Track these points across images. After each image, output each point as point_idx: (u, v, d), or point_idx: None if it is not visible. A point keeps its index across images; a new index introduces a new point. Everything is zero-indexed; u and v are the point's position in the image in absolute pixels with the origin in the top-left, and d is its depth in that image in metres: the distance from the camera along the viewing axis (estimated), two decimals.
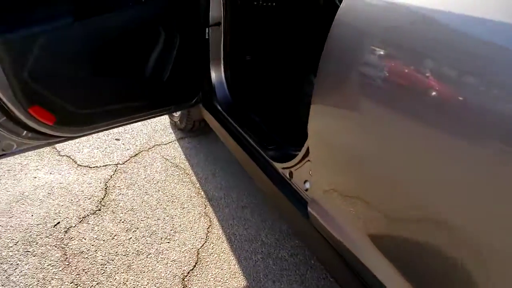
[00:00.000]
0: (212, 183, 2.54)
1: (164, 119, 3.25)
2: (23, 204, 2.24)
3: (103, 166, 2.63)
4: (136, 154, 2.79)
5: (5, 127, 1.69)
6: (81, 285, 1.79)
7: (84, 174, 2.53)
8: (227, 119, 2.30)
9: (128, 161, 2.70)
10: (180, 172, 2.62)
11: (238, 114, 2.28)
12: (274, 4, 2.30)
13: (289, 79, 2.75)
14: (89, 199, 2.32)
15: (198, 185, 2.51)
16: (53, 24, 1.60)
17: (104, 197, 2.34)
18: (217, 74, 2.37)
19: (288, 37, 2.67)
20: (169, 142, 2.97)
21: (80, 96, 1.78)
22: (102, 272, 1.86)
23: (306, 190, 1.46)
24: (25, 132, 1.76)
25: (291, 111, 2.46)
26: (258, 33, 2.50)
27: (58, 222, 2.12)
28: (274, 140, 1.98)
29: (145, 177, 2.54)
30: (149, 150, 2.85)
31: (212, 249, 2.05)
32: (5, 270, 1.82)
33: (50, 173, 2.51)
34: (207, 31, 2.20)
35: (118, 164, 2.66)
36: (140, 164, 2.68)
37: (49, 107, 1.70)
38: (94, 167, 2.61)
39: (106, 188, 2.42)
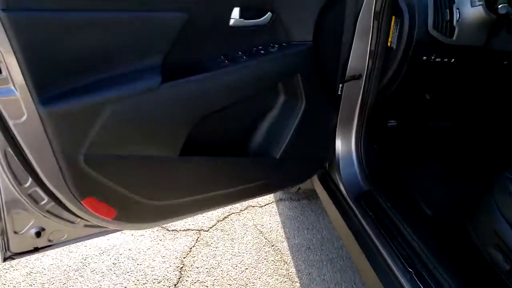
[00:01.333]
0: (318, 285, 1.87)
1: None
2: (81, 275, 1.81)
3: (184, 231, 2.12)
4: (225, 217, 2.24)
5: (54, 213, 1.22)
6: None
7: (160, 240, 2.04)
8: (353, 210, 1.61)
9: (213, 227, 2.16)
10: (276, 258, 1.99)
11: (371, 208, 1.57)
12: (452, 61, 1.53)
13: (465, 165, 1.87)
14: (159, 282, 1.81)
15: (298, 284, 1.86)
16: (129, 86, 1.07)
17: (178, 283, 1.81)
18: (344, 143, 1.69)
19: (466, 103, 1.87)
20: (266, 205, 2.37)
21: (154, 183, 1.24)
22: None
23: None
24: (79, 219, 1.27)
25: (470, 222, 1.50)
26: (416, 92, 1.75)
27: None
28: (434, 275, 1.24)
29: (231, 257, 1.97)
30: (241, 213, 2.28)
31: None
32: None
33: (121, 233, 2.06)
34: (340, 86, 1.54)
35: (201, 230, 2.13)
36: (228, 234, 2.11)
37: (108, 198, 1.19)
38: (172, 230, 2.11)
39: (182, 267, 1.89)
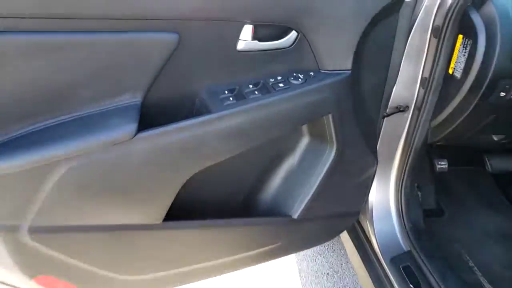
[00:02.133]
0: None
1: None
2: None
3: None
4: None
5: None
6: None
7: None
8: (387, 276, 1.28)
9: None
10: None
11: (412, 277, 1.23)
12: None
13: None
14: None
15: None
16: (92, 136, 0.76)
17: None
18: (380, 188, 1.35)
19: None
20: None
21: (129, 255, 0.93)
22: None
23: None
24: None
25: None
26: (479, 132, 1.39)
27: None
28: None
29: None
30: None
31: None
32: None
33: None
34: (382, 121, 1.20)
35: None
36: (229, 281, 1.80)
37: (68, 275, 0.89)
38: None
39: None
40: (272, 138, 0.93)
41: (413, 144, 1.28)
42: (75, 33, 0.72)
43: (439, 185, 1.53)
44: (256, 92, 0.89)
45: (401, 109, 1.25)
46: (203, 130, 0.83)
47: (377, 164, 1.17)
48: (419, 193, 1.41)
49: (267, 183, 1.12)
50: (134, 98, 0.81)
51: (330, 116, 0.97)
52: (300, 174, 1.09)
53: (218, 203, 1.04)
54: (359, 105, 1.03)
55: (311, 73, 0.94)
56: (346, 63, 0.95)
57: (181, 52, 0.81)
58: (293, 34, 0.90)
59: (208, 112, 0.86)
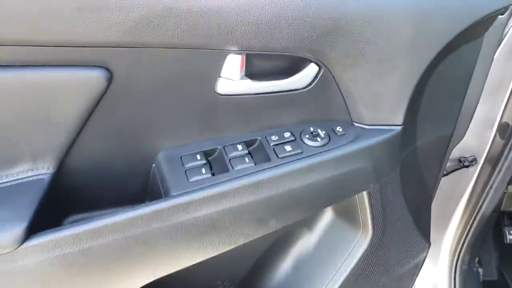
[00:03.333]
0: None
1: None
2: None
3: None
4: None
5: None
6: None
7: None
8: None
9: None
10: None
11: None
12: None
13: None
14: None
15: None
16: None
17: None
18: (427, 269, 0.98)
19: None
20: None
21: None
22: None
23: None
24: None
25: None
26: None
27: None
28: None
29: None
30: None
31: None
32: None
33: None
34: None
35: None
36: None
37: None
38: None
39: None
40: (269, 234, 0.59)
41: (479, 210, 0.91)
42: None
43: (505, 255, 1.15)
44: (247, 160, 0.55)
45: (465, 163, 0.88)
46: (152, 228, 0.50)
47: (429, 248, 0.80)
48: (480, 270, 1.04)
49: (271, 269, 0.79)
50: (36, 168, 0.49)
51: (365, 194, 0.62)
52: (318, 262, 0.75)
53: None
54: (411, 173, 0.68)
55: (337, 129, 0.59)
56: (396, 114, 0.60)
57: (117, 96, 0.48)
58: (310, 69, 0.55)
59: (165, 192, 0.53)
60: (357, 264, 0.71)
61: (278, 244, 0.76)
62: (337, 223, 0.72)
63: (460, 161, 0.88)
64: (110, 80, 0.47)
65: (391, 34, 0.53)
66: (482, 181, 0.89)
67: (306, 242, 0.75)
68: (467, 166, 0.88)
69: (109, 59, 0.45)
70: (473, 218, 0.93)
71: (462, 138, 0.76)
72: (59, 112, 0.47)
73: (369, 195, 0.63)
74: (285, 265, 0.77)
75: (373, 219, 0.66)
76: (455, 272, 0.99)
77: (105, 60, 0.45)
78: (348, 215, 0.69)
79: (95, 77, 0.46)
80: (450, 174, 0.89)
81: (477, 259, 1.03)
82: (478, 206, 0.91)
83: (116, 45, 0.44)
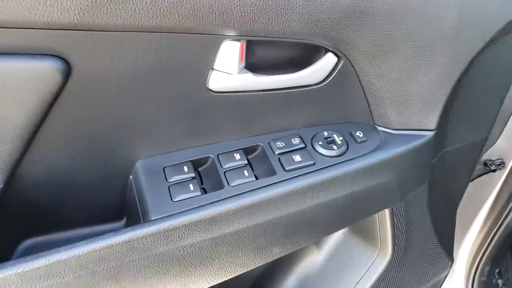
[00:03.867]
0: None
1: None
2: None
3: None
4: None
5: None
6: None
7: None
8: None
9: None
10: None
11: None
12: None
13: None
14: None
15: None
16: None
17: None
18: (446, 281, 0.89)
19: None
20: None
21: None
22: None
23: None
24: None
25: None
26: None
27: None
28: None
29: None
30: None
31: None
32: None
33: None
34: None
35: None
36: None
37: None
38: None
39: None
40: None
41: (504, 218, 0.81)
42: None
43: None
44: (246, 173, 0.44)
45: (492, 166, 0.78)
46: (125, 261, 0.39)
47: (451, 265, 0.71)
48: (500, 281, 0.95)
49: (275, 284, 0.69)
50: None
51: (387, 211, 0.52)
52: (326, 283, 0.65)
53: None
54: (438, 183, 0.57)
55: (357, 134, 0.49)
56: (428, 117, 0.49)
57: (78, 93, 0.37)
58: (327, 60, 0.43)
59: (143, 214, 0.42)
60: (372, 286, 0.61)
61: (282, 261, 0.66)
62: (351, 240, 0.62)
63: (486, 164, 0.78)
64: (67, 73, 0.35)
65: (431, 21, 0.42)
66: (509, 186, 0.79)
67: (314, 259, 0.65)
68: (494, 171, 0.78)
69: (64, 46, 0.34)
70: (497, 227, 0.83)
71: (495, 143, 0.66)
72: (4, 115, 0.36)
73: (392, 212, 0.53)
74: (289, 285, 0.67)
75: (394, 238, 0.56)
76: (472, 283, 0.90)
77: (59, 47, 0.34)
78: (364, 232, 0.59)
79: (48, 69, 0.35)
80: (493, 178, 0.79)
81: (497, 270, 0.93)
82: (504, 215, 0.81)
83: (73, 28, 0.33)
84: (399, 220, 0.54)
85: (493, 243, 0.86)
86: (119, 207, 0.49)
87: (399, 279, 0.63)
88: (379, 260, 0.59)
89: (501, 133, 0.65)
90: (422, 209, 0.57)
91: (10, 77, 0.35)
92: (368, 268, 0.60)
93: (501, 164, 0.78)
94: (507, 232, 0.84)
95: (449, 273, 0.93)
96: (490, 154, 0.78)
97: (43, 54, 0.34)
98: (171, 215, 0.40)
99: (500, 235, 0.84)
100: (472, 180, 0.77)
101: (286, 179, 0.44)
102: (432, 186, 0.57)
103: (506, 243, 0.87)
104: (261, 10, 0.37)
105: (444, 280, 0.73)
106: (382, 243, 0.57)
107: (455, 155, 0.59)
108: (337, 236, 0.62)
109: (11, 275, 0.35)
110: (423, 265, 0.65)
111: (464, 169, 0.64)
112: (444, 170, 0.60)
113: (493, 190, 0.82)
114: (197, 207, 0.41)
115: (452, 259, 0.70)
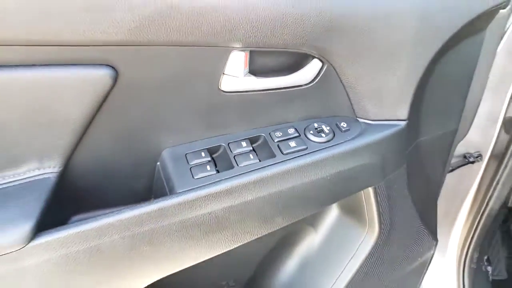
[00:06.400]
0: None
1: None
2: None
3: None
4: None
5: None
6: None
7: None
8: None
9: None
10: None
11: None
12: None
13: None
14: None
15: None
16: None
17: None
18: (434, 267, 0.97)
19: None
20: None
21: None
22: None
23: None
24: None
25: None
26: None
27: None
28: None
29: None
30: None
31: None
32: None
33: None
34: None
35: None
36: None
37: None
38: None
39: None
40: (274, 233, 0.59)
41: (486, 206, 0.91)
42: None
43: None
44: (251, 156, 0.55)
45: (470, 159, 0.88)
46: (158, 226, 0.50)
47: (436, 245, 0.80)
48: (489, 268, 1.03)
49: (276, 268, 0.78)
50: (42, 168, 0.49)
51: (371, 190, 0.62)
52: (324, 261, 0.74)
53: None
54: (416, 169, 0.67)
55: (342, 124, 0.60)
56: (400, 109, 0.59)
57: (122, 95, 0.48)
58: (314, 65, 0.55)
59: (170, 190, 0.53)
60: (364, 262, 0.70)
61: (283, 243, 0.76)
62: (343, 221, 0.71)
63: (465, 157, 0.88)
64: (115, 78, 0.47)
65: (394, 29, 0.53)
66: (488, 177, 0.88)
67: (311, 241, 0.75)
68: (472, 162, 0.88)
69: (114, 58, 0.46)
70: (480, 215, 0.92)
71: (466, 134, 0.76)
72: (65, 112, 0.47)
73: (375, 191, 0.63)
74: (291, 264, 0.77)
75: (379, 215, 0.66)
76: (463, 271, 0.98)
77: (110, 58, 0.46)
78: (353, 213, 0.69)
79: (101, 76, 0.46)
80: (456, 171, 0.88)
81: (485, 257, 1.02)
82: (485, 203, 0.90)
83: (121, 44, 0.45)
84: (382, 199, 0.64)
85: (478, 230, 0.94)
86: (148, 189, 0.59)
87: (387, 255, 0.73)
88: (368, 237, 0.69)
89: (470, 125, 0.75)
90: (402, 190, 0.67)
91: (73, 83, 0.46)
92: (359, 245, 0.70)
93: (479, 157, 0.88)
94: (490, 220, 0.93)
95: (442, 262, 1.01)
96: (468, 148, 0.88)
97: (98, 65, 0.46)
98: (193, 188, 0.51)
99: (484, 222, 0.93)
100: (453, 170, 0.86)
101: (284, 160, 0.55)
102: (411, 172, 0.67)
103: (491, 230, 0.95)
104: (261, 28, 0.49)
105: (430, 260, 0.81)
106: (370, 221, 0.67)
107: (428, 145, 0.69)
108: (331, 218, 0.72)
109: (72, 234, 0.46)
110: (409, 242, 0.74)
111: (439, 157, 0.74)
112: (420, 159, 0.70)
113: (474, 180, 0.91)
114: (213, 182, 0.52)
115: (436, 239, 0.79)
